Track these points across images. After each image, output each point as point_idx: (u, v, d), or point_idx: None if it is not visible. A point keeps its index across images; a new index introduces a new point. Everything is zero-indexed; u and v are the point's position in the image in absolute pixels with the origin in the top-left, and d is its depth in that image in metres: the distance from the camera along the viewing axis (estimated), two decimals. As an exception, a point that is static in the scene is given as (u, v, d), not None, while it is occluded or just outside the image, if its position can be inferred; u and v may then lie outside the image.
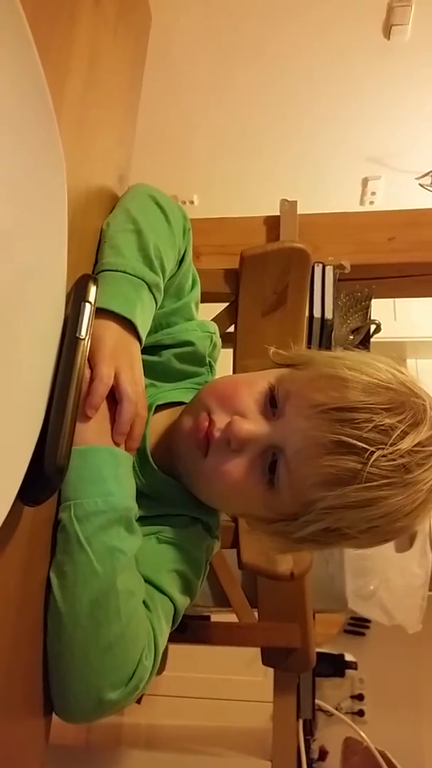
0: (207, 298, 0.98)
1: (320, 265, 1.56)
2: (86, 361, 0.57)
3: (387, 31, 2.21)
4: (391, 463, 0.58)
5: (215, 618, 1.31)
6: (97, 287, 0.54)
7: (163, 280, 0.69)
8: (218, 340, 0.80)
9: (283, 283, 1.04)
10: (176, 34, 2.23)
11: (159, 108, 2.48)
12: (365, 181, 2.89)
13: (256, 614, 1.24)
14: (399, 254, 1.60)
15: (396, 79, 2.39)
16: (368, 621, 2.89)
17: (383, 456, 0.57)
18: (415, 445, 0.58)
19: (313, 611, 1.20)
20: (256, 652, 1.27)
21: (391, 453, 0.57)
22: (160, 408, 0.74)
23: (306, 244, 1.08)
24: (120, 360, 0.61)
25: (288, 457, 0.62)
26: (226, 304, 1.11)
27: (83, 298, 0.52)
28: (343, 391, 0.60)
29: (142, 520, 0.64)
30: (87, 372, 0.59)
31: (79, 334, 0.50)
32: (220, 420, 0.65)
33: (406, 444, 0.58)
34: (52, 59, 0.56)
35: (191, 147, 2.75)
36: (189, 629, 1.23)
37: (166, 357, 0.75)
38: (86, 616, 0.54)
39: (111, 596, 0.55)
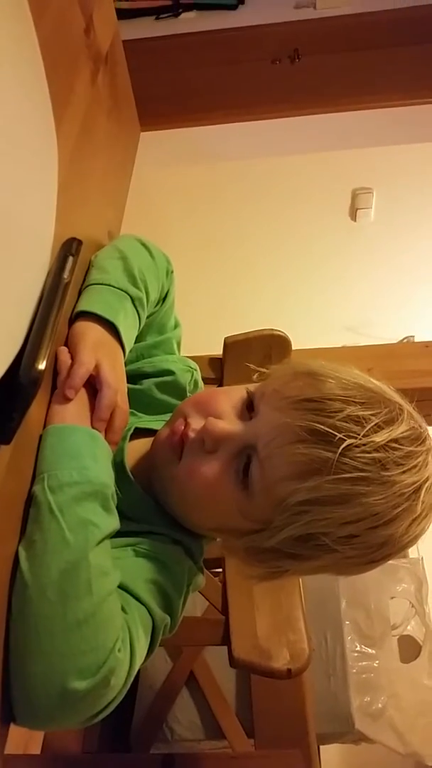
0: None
1: (304, 392, 1.62)
2: (67, 343, 0.59)
3: (353, 215, 2.50)
4: (366, 455, 0.56)
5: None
6: (80, 246, 0.57)
7: (147, 300, 0.72)
8: (199, 378, 0.81)
9: (265, 367, 1.08)
10: (166, 221, 2.52)
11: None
12: (345, 351, 3.05)
13: (252, 746, 1.10)
14: (379, 383, 1.67)
15: (365, 255, 2.65)
16: None
17: (356, 446, 0.56)
18: (390, 441, 0.57)
19: (316, 736, 1.07)
20: None
21: (364, 444, 0.56)
22: (139, 434, 0.73)
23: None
24: (101, 353, 0.62)
25: (260, 450, 0.60)
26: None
27: (68, 251, 0.54)
28: (317, 384, 0.60)
29: (119, 535, 0.61)
30: (67, 359, 0.60)
31: (63, 275, 0.52)
32: (196, 422, 0.65)
33: (381, 438, 0.57)
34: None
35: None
36: (177, 764, 1.08)
37: (147, 386, 0.76)
38: (54, 589, 0.50)
39: (82, 568, 0.51)
